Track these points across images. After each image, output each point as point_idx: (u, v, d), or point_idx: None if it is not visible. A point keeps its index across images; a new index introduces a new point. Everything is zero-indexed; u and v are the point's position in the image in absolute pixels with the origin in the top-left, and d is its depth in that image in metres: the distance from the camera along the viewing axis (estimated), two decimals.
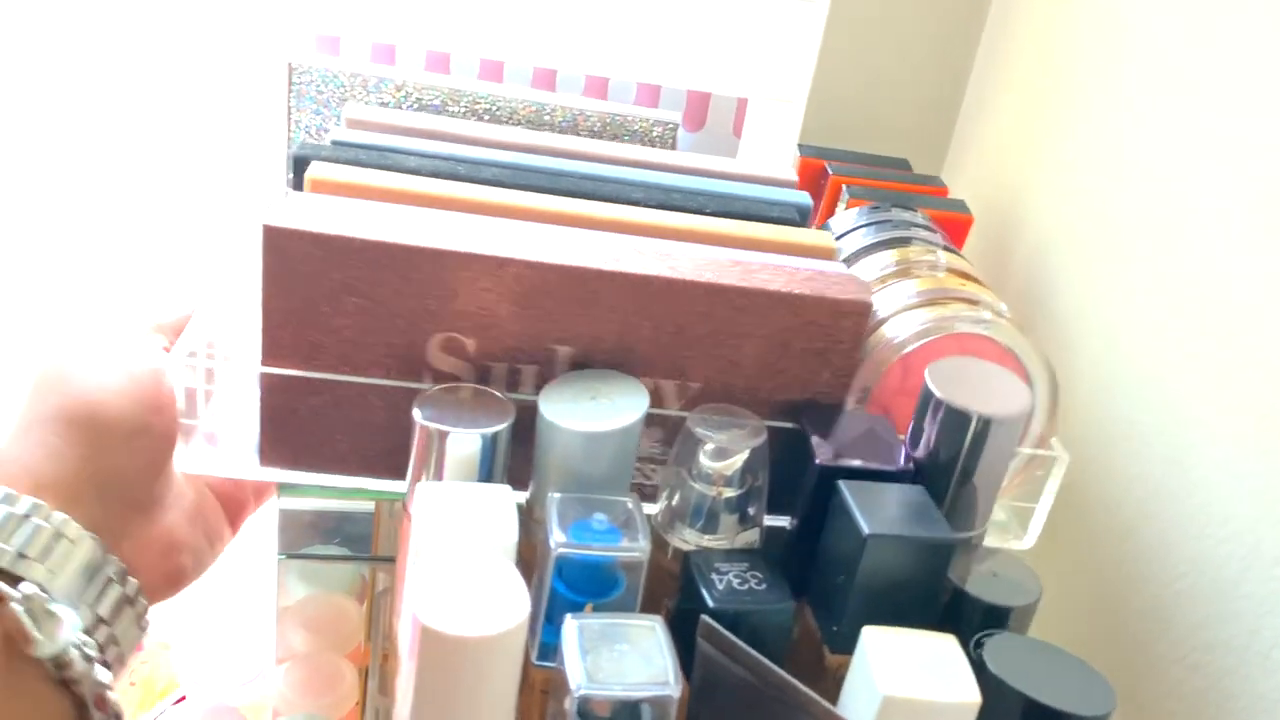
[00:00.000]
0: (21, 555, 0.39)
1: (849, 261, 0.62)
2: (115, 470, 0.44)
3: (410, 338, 0.48)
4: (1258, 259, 0.54)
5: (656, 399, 0.51)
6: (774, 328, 0.50)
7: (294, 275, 0.46)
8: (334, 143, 0.56)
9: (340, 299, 0.47)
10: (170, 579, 0.47)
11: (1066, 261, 0.68)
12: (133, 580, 0.43)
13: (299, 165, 0.53)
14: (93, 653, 0.40)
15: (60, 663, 0.38)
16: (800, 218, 0.58)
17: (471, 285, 0.47)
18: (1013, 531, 0.57)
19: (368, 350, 0.48)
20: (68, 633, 0.39)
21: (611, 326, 0.49)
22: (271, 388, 0.48)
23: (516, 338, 0.49)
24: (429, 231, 0.47)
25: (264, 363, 0.48)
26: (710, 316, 0.49)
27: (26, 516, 0.40)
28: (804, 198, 0.60)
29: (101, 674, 0.40)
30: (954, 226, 0.68)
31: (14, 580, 0.38)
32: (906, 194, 0.70)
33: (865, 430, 0.51)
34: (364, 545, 0.61)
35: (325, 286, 0.46)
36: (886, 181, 0.70)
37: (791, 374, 0.51)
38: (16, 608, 0.38)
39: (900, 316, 0.55)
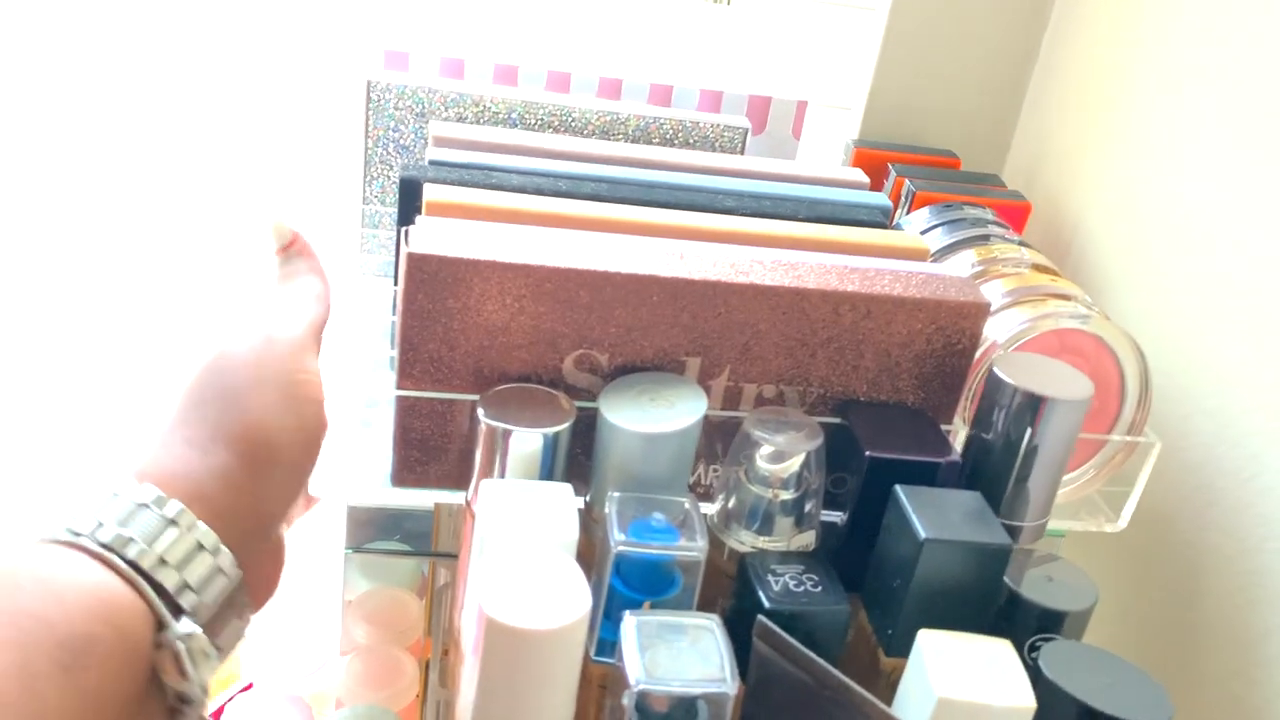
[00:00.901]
0: (186, 585, 0.37)
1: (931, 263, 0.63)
2: (269, 501, 0.41)
3: (546, 357, 0.49)
4: None
5: (779, 405, 0.52)
6: (896, 332, 0.51)
7: (433, 300, 0.47)
8: (432, 163, 0.57)
9: (479, 322, 0.48)
10: (270, 590, 0.45)
11: (1126, 259, 0.68)
12: (249, 612, 0.41)
13: (406, 187, 0.54)
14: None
15: (186, 698, 0.37)
16: (884, 218, 0.59)
17: (606, 303, 0.48)
18: (1106, 515, 0.58)
19: (503, 371, 0.49)
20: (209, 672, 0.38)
21: (738, 337, 0.50)
22: (406, 409, 0.49)
23: (647, 351, 0.50)
24: (565, 252, 0.48)
25: (400, 385, 0.49)
26: (835, 324, 0.50)
27: (188, 530, 0.37)
28: (883, 199, 0.61)
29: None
30: (1013, 215, 0.69)
31: (175, 609, 0.37)
32: (963, 182, 0.71)
33: (911, 425, 0.51)
34: (424, 542, 0.62)
35: (466, 311, 0.47)
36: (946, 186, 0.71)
37: (909, 375, 0.52)
38: (179, 645, 0.36)
39: (997, 316, 0.56)
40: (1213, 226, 0.60)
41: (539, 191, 0.56)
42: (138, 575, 0.36)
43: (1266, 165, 0.57)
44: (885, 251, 0.55)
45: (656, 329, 0.49)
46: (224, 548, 0.38)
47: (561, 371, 0.50)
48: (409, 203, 0.54)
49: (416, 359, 0.48)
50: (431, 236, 0.47)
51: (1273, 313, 0.56)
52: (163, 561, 0.36)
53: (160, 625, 0.36)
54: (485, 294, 0.47)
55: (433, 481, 0.51)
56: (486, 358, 0.48)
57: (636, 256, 0.49)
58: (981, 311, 0.51)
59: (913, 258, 0.56)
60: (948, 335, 0.51)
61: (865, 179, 0.64)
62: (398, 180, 0.58)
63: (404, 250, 0.46)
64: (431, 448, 0.50)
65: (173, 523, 0.37)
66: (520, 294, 0.47)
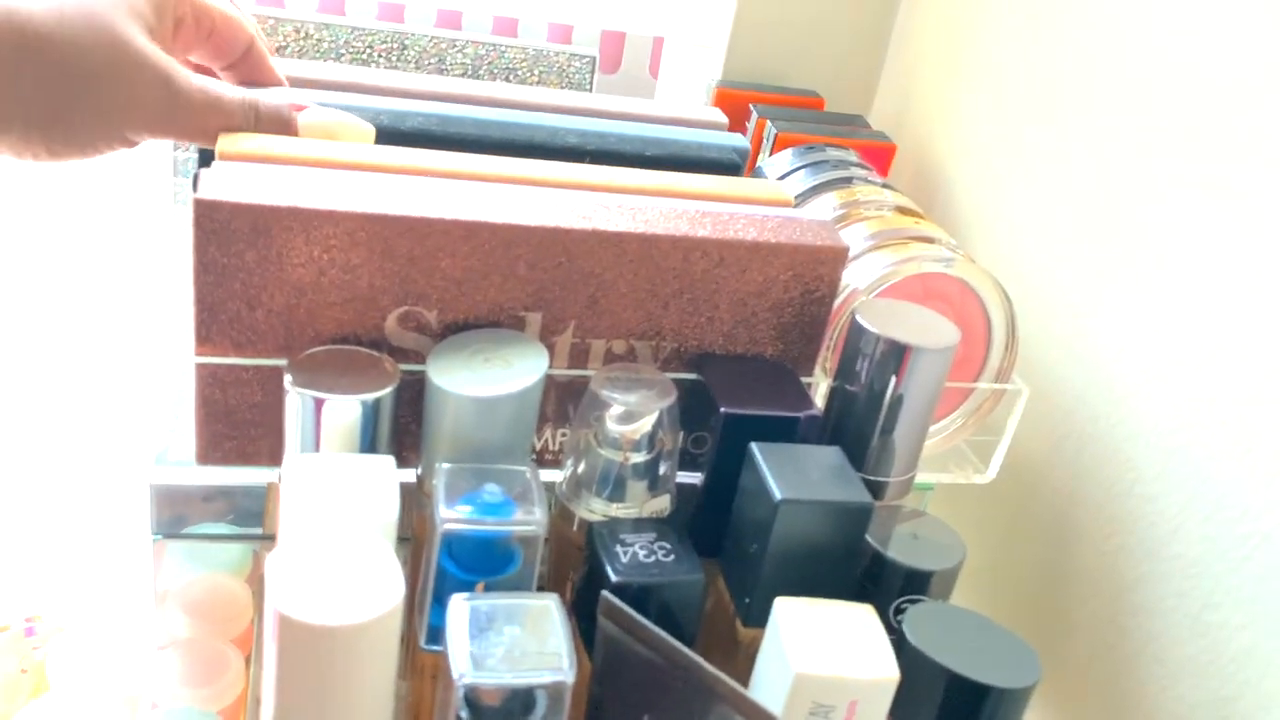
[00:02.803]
0: None
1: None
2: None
3: (366, 316, 0.44)
4: (1198, 200, 0.51)
5: (632, 360, 0.48)
6: (751, 280, 0.47)
7: (230, 253, 0.41)
8: None
9: (284, 277, 0.42)
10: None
11: (994, 202, 0.65)
12: None
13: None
14: None
15: None
16: (740, 159, 0.55)
17: (432, 253, 0.43)
18: (974, 466, 0.56)
19: (316, 332, 0.44)
20: None
21: (583, 290, 0.45)
22: (207, 378, 0.43)
23: (482, 307, 0.45)
24: (381, 197, 0.43)
25: (198, 351, 0.43)
26: (686, 272, 0.46)
27: None
28: (741, 140, 0.57)
29: None
30: (878, 156, 0.66)
31: None
32: (827, 124, 0.69)
33: (770, 378, 0.48)
34: (258, 522, 0.57)
35: (266, 264, 0.42)
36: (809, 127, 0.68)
37: (769, 325, 0.48)
38: None
39: (859, 261, 0.52)
40: (1079, 168, 0.58)
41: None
42: None
43: (1128, 108, 0.55)
44: (747, 202, 0.51)
45: (490, 281, 0.45)
46: None
47: (385, 332, 0.45)
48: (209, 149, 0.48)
49: (214, 321, 0.42)
50: (226, 182, 0.41)
51: (1137, 256, 0.54)
52: None
53: None
54: (289, 245, 0.42)
55: (246, 458, 0.46)
56: (296, 318, 0.43)
57: (464, 201, 0.44)
58: (840, 256, 0.48)
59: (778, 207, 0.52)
60: (805, 282, 0.48)
61: (724, 119, 0.60)
62: None
63: (191, 197, 0.41)
64: (240, 420, 0.44)
65: None
66: (329, 245, 0.42)
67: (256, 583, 0.55)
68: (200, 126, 0.45)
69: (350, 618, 0.32)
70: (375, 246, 0.42)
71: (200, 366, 0.43)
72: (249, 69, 0.49)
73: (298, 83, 0.52)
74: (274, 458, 0.45)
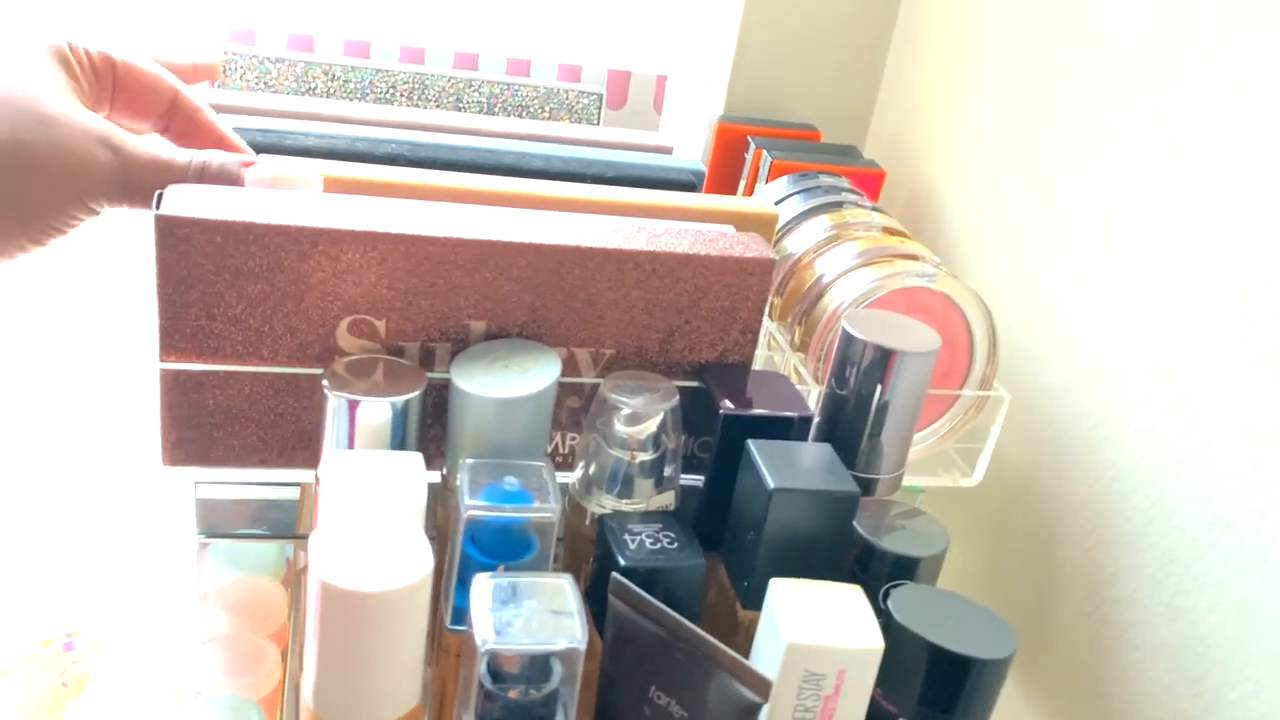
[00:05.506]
0: None
1: (787, 229, 0.64)
2: None
3: (317, 324, 0.48)
4: (1164, 217, 0.55)
5: (572, 368, 0.51)
6: (683, 290, 0.51)
7: (190, 266, 0.45)
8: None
9: (241, 288, 0.46)
10: None
11: (979, 222, 0.69)
12: None
13: None
14: None
15: None
16: (697, 181, 0.59)
17: (378, 265, 0.47)
18: (961, 470, 0.59)
19: (273, 339, 0.47)
20: None
21: (524, 299, 0.49)
22: (172, 384, 0.47)
23: (428, 316, 0.49)
24: (329, 213, 0.47)
25: (163, 359, 0.47)
26: (620, 283, 0.50)
27: None
28: (696, 163, 0.61)
29: None
30: (868, 183, 0.71)
31: None
32: (821, 154, 0.73)
33: (767, 385, 0.52)
34: (290, 531, 0.61)
35: (224, 276, 0.46)
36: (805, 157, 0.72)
37: (702, 334, 0.52)
38: None
39: (847, 277, 0.57)
40: (1056, 190, 0.62)
41: (331, 156, 0.54)
42: None
43: (1105, 130, 0.59)
44: (733, 219, 0.55)
45: (435, 293, 0.48)
46: None
47: (335, 339, 0.48)
48: None
49: (177, 329, 0.46)
50: (185, 200, 0.45)
51: (1110, 272, 0.58)
52: None
53: None
54: (246, 258, 0.45)
55: (211, 459, 0.49)
56: (252, 326, 0.47)
57: (406, 216, 0.48)
58: (767, 268, 0.51)
59: (762, 226, 0.56)
60: (735, 291, 0.51)
61: (669, 144, 0.64)
62: None
63: (153, 213, 0.44)
64: (207, 424, 0.48)
65: None
66: (279, 257, 0.46)
67: (291, 583, 0.59)
68: (155, 185, 0.45)
69: (386, 585, 0.36)
70: (321, 260, 0.46)
71: (164, 373, 0.47)
72: (181, 123, 0.50)
73: (277, 114, 0.56)
74: (234, 458, 0.49)
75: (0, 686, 0.81)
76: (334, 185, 0.51)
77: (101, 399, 0.80)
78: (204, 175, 0.47)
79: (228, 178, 0.47)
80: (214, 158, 0.47)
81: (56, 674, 0.82)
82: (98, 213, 0.45)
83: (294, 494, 0.60)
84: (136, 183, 0.45)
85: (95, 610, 0.82)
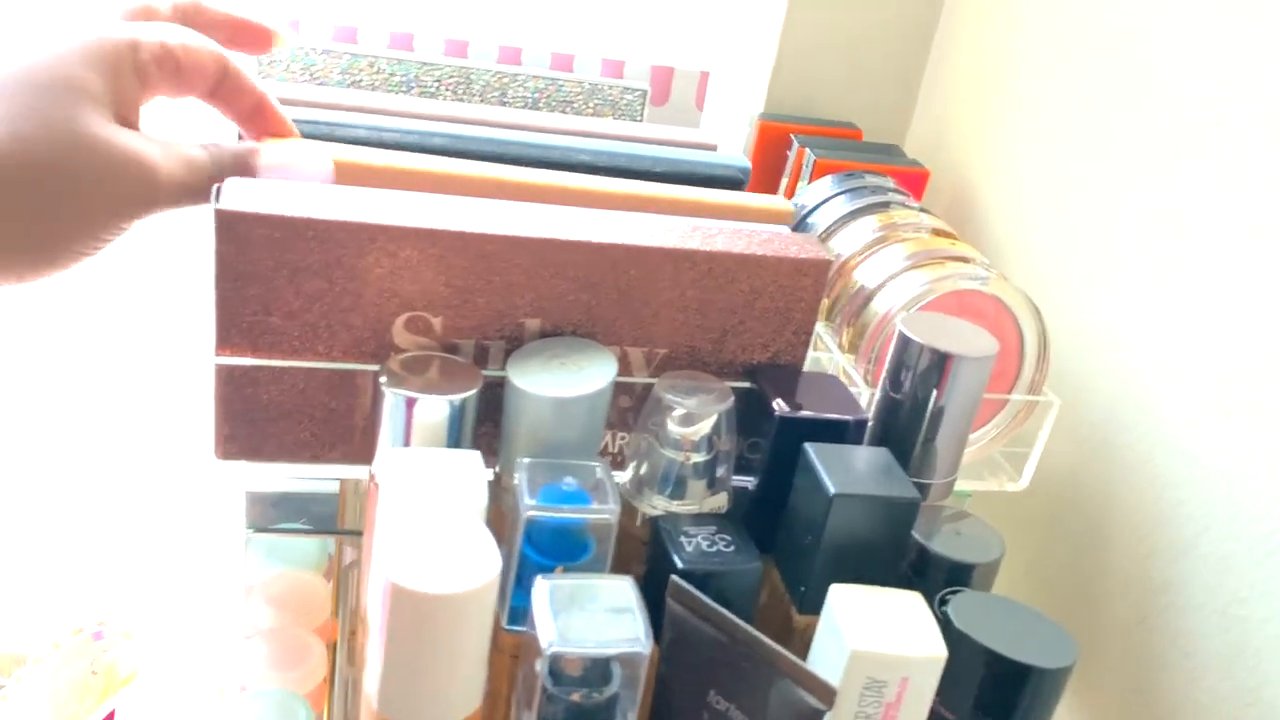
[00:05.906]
0: None
1: (832, 230, 0.63)
2: None
3: (373, 320, 0.47)
4: (1217, 223, 0.55)
5: (625, 367, 0.51)
6: (738, 290, 0.50)
7: (249, 261, 0.45)
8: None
9: (299, 284, 0.46)
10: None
11: (1025, 223, 0.69)
12: None
13: None
14: None
15: None
16: (744, 178, 0.59)
17: (436, 262, 0.46)
18: (1008, 475, 0.59)
19: (329, 335, 0.47)
20: None
21: (580, 298, 0.49)
22: (227, 378, 0.47)
23: (484, 313, 0.48)
24: (388, 209, 0.46)
25: (218, 353, 0.46)
26: (676, 282, 0.49)
27: None
28: (743, 159, 0.60)
29: None
30: (912, 182, 0.70)
31: None
32: (864, 152, 0.72)
33: (819, 387, 0.52)
34: (330, 525, 0.61)
35: (282, 271, 0.45)
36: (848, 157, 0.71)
37: (755, 335, 0.52)
38: None
39: (898, 280, 0.56)
40: (1108, 188, 0.62)
41: (381, 148, 0.53)
42: None
43: (1152, 130, 0.58)
44: (749, 214, 0.54)
45: (491, 290, 0.48)
46: None
47: (391, 336, 0.48)
48: None
49: (233, 324, 0.46)
50: (246, 194, 0.45)
51: (1161, 270, 0.57)
52: None
53: None
54: (305, 254, 0.45)
55: (264, 454, 0.49)
56: (308, 321, 0.47)
57: (464, 213, 0.48)
58: (823, 268, 0.51)
59: (777, 220, 0.55)
60: (789, 292, 0.51)
61: (714, 142, 0.63)
62: None
63: (214, 207, 0.44)
64: (259, 419, 0.48)
65: None
66: (338, 253, 0.45)
67: (334, 577, 0.59)
68: (185, 191, 0.45)
69: (457, 586, 0.36)
70: (380, 257, 0.46)
71: (219, 367, 0.46)
72: (229, 92, 0.48)
73: (329, 107, 0.56)
74: (286, 453, 0.49)
75: (31, 674, 0.81)
76: (385, 175, 0.50)
77: (154, 393, 0.80)
78: (221, 169, 0.46)
79: (242, 165, 0.47)
80: (225, 149, 0.46)
81: (87, 662, 0.82)
82: (126, 230, 0.44)
83: (334, 488, 0.60)
84: (168, 189, 0.44)
85: (125, 599, 0.82)
